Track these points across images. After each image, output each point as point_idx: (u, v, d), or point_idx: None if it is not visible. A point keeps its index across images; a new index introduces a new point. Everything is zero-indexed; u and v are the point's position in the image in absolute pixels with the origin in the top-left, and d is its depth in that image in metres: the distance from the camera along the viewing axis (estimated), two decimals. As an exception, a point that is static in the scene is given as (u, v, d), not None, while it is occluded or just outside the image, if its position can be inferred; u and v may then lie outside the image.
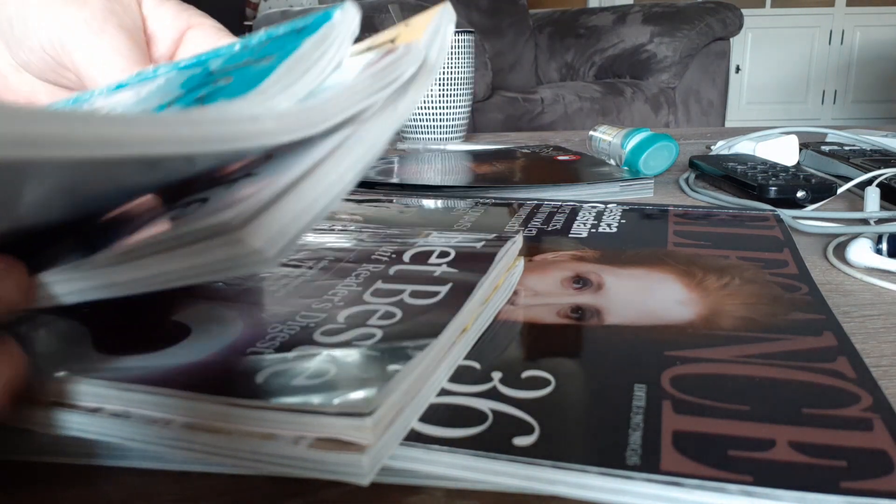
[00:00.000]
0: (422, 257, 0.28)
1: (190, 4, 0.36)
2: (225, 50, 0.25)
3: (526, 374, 0.22)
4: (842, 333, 0.24)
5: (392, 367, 0.18)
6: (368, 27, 1.63)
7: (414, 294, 0.24)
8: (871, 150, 0.60)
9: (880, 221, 0.42)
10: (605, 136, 0.61)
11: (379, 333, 0.21)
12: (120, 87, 0.28)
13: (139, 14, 0.34)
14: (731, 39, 2.15)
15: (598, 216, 0.41)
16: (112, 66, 0.31)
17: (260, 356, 0.20)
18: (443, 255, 0.28)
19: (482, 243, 0.29)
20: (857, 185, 0.50)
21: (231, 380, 0.18)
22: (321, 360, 0.19)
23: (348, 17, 0.20)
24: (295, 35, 0.21)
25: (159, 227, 0.16)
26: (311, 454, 0.17)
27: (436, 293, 0.24)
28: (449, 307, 0.22)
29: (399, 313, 0.22)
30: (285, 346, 0.20)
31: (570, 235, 0.37)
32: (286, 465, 0.17)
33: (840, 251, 0.37)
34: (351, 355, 0.19)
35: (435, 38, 0.20)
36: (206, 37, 0.35)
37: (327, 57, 0.19)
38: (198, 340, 0.21)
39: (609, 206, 0.44)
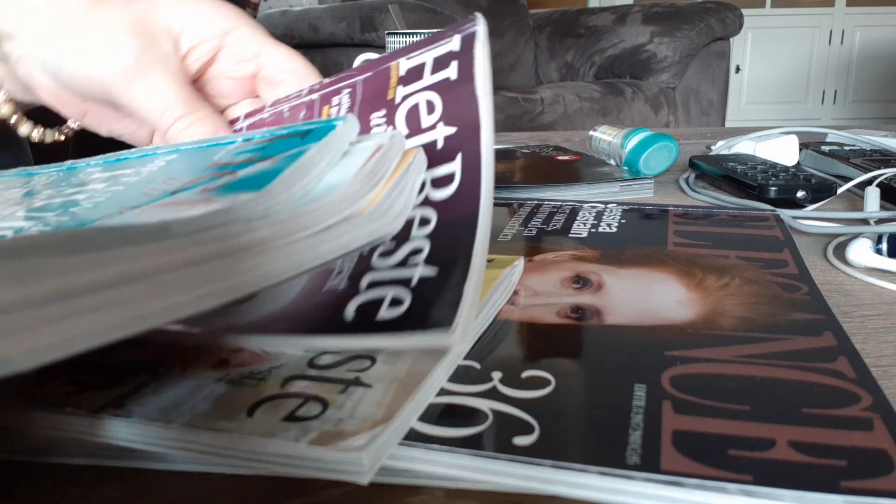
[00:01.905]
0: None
1: (225, 2, 0.35)
2: (227, 142, 0.27)
3: (526, 373, 0.22)
4: (842, 333, 0.24)
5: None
6: (368, 27, 1.63)
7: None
8: (871, 150, 0.60)
9: (880, 221, 0.42)
10: (605, 136, 0.61)
11: (426, 245, 0.23)
12: (119, 160, 0.30)
13: (168, 39, 0.33)
14: (731, 39, 2.15)
15: (598, 216, 0.41)
16: (157, 112, 0.32)
17: (335, 291, 0.22)
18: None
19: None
20: (857, 185, 0.50)
21: (326, 316, 0.22)
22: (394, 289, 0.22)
23: (349, 127, 0.23)
24: (299, 139, 0.23)
25: None
26: (312, 452, 0.17)
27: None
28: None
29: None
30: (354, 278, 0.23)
31: (570, 235, 0.37)
32: (286, 465, 0.17)
33: (840, 251, 0.37)
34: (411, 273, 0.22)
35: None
36: (245, 39, 0.35)
37: (326, 161, 0.22)
38: (267, 294, 0.22)
39: (609, 206, 0.44)
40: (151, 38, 0.32)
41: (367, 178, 0.22)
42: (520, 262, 0.30)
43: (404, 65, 0.28)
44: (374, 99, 0.29)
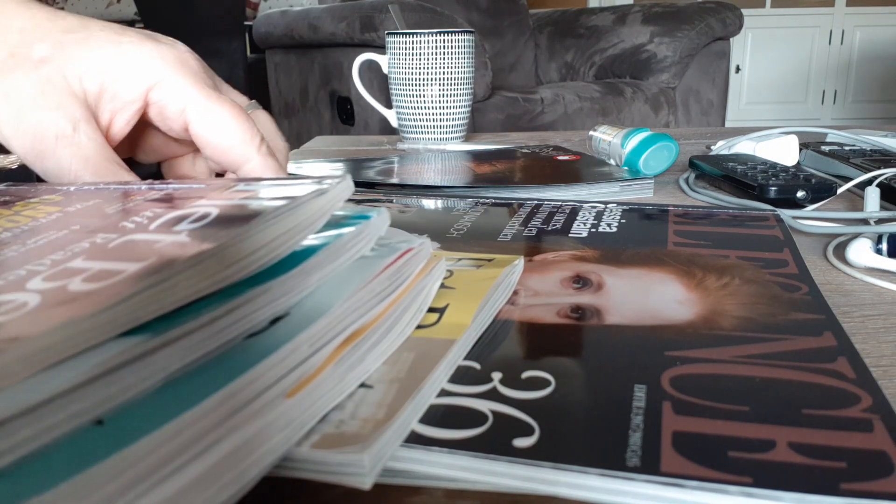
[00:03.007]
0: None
1: (153, 44, 0.32)
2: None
3: (526, 374, 0.22)
4: (842, 333, 0.24)
5: None
6: (368, 27, 1.63)
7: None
8: (871, 150, 0.60)
9: (880, 221, 0.42)
10: (605, 136, 0.61)
11: None
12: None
13: (77, 104, 0.30)
14: (731, 39, 2.15)
15: (598, 216, 0.41)
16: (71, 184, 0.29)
17: None
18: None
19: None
20: (857, 185, 0.50)
21: None
22: None
23: (382, 220, 0.24)
24: (334, 225, 0.22)
25: None
26: (314, 455, 0.17)
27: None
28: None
29: None
30: None
31: (570, 235, 0.37)
32: (287, 468, 0.17)
33: (840, 251, 0.37)
34: None
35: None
36: (169, 95, 0.31)
37: (358, 248, 0.22)
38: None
39: (609, 206, 0.44)
40: (57, 108, 0.29)
41: (389, 279, 0.22)
42: (520, 262, 0.30)
43: (238, 187, 0.24)
44: (173, 204, 0.23)
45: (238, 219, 0.18)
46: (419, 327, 0.23)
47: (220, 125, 0.31)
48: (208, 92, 0.31)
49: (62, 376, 0.13)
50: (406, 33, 0.76)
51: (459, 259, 0.30)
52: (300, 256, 0.19)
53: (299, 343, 0.17)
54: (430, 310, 0.24)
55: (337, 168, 0.60)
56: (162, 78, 0.31)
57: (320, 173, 0.39)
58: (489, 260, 0.30)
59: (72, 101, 0.30)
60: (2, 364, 0.12)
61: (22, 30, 0.30)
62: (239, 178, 0.26)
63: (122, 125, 0.32)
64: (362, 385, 0.20)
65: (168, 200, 0.23)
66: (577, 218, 0.41)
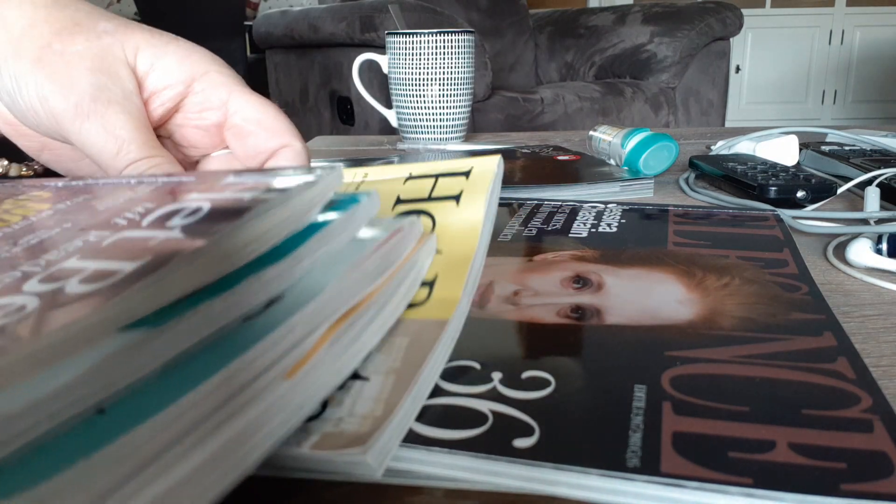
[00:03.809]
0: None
1: (196, 45, 0.34)
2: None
3: (526, 374, 0.22)
4: (842, 333, 0.24)
5: None
6: (368, 27, 1.63)
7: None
8: (871, 150, 0.60)
9: (880, 221, 0.42)
10: (605, 136, 0.61)
11: None
12: None
13: (132, 77, 0.31)
14: (731, 39, 2.15)
15: (598, 216, 0.41)
16: (109, 153, 0.30)
17: None
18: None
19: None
20: (857, 185, 0.50)
21: None
22: None
23: (372, 202, 0.23)
24: (325, 208, 0.22)
25: None
26: (315, 456, 0.17)
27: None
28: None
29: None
30: None
31: (570, 235, 0.37)
32: (289, 469, 0.17)
33: (840, 251, 0.37)
34: None
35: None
36: (213, 86, 0.33)
37: (348, 232, 0.22)
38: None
39: (609, 205, 0.44)
40: (113, 75, 0.31)
41: (380, 261, 0.22)
42: (498, 163, 0.29)
43: (229, 179, 0.23)
44: (164, 196, 0.23)
45: (231, 212, 0.18)
46: (411, 306, 0.24)
47: (265, 111, 0.33)
48: (249, 90, 0.34)
49: (63, 373, 0.13)
50: (406, 33, 0.76)
51: (437, 176, 0.30)
52: (294, 242, 0.19)
53: (295, 324, 0.17)
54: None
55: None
56: (208, 70, 0.33)
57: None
58: (465, 173, 0.30)
59: (128, 72, 0.31)
60: (3, 364, 0.12)
61: (89, 12, 0.32)
62: (229, 170, 0.26)
63: (160, 111, 0.33)
64: (358, 377, 0.20)
65: (159, 194, 0.23)
66: (577, 218, 0.41)
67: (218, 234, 0.17)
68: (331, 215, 0.21)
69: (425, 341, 0.21)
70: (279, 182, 0.21)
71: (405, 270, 0.23)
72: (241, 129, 0.33)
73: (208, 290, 0.16)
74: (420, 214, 0.27)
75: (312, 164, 0.30)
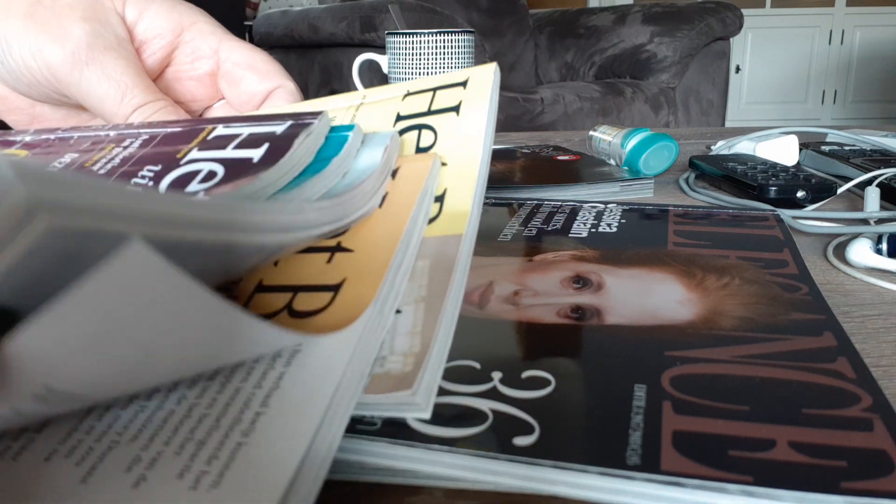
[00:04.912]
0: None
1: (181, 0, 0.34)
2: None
3: (526, 374, 0.22)
4: (842, 333, 0.24)
5: None
6: (368, 27, 1.63)
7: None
8: (871, 150, 0.60)
9: (880, 221, 0.42)
10: (605, 136, 0.61)
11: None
12: None
13: (122, 25, 0.32)
14: (731, 39, 2.15)
15: (598, 216, 0.41)
16: (113, 99, 0.30)
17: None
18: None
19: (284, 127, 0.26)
20: (857, 185, 0.50)
21: None
22: None
23: (357, 137, 0.27)
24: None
25: None
26: (368, 398, 0.18)
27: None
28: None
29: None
30: None
31: (570, 235, 0.37)
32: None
33: (840, 251, 0.37)
34: None
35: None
36: (202, 35, 0.34)
37: (343, 166, 0.25)
38: None
39: (609, 205, 0.44)
40: (105, 22, 0.31)
41: (380, 175, 0.25)
42: (494, 71, 0.30)
43: (218, 130, 0.26)
44: (159, 153, 0.26)
45: (246, 168, 0.22)
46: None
47: (254, 55, 0.34)
48: (237, 38, 0.35)
49: None
50: (406, 33, 0.76)
51: (435, 89, 0.31)
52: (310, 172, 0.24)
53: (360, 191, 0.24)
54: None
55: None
56: (195, 20, 0.34)
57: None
58: (462, 83, 0.30)
59: (118, 20, 0.32)
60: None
61: None
62: (215, 118, 0.27)
63: (151, 61, 0.33)
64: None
65: (153, 153, 0.24)
66: (577, 218, 0.41)
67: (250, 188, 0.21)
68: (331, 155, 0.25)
69: (445, 262, 0.22)
70: (268, 129, 0.25)
71: (420, 198, 0.25)
72: (233, 74, 0.34)
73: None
74: (420, 129, 0.28)
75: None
